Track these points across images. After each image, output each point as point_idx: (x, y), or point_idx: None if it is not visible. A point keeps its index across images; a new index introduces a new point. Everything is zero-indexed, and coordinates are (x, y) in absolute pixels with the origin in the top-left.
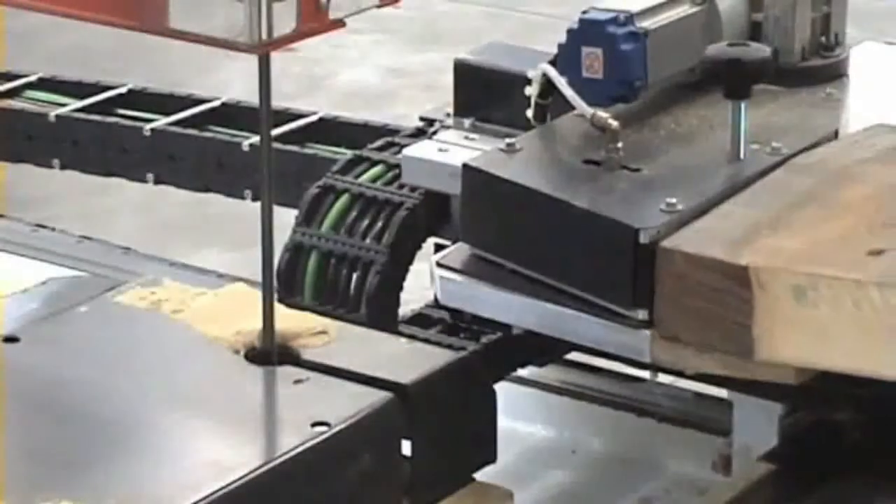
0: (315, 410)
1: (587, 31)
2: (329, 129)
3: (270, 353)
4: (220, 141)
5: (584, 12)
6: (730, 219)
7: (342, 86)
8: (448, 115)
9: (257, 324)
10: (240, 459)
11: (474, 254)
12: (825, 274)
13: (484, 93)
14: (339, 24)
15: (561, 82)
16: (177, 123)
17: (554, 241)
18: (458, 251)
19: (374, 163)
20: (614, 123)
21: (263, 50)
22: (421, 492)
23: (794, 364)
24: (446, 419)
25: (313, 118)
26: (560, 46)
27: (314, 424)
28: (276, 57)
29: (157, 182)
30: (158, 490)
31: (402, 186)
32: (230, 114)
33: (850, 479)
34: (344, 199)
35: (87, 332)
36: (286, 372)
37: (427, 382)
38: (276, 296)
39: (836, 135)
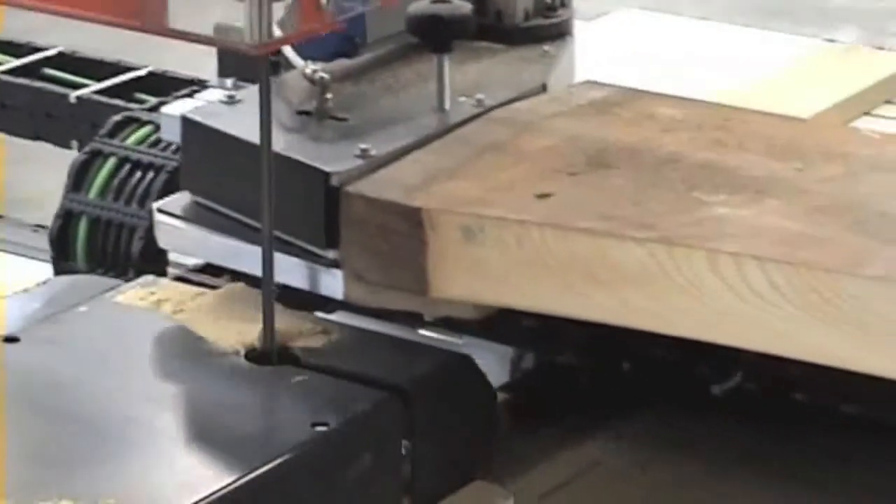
0: (315, 410)
1: None
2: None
3: (270, 353)
4: (48, 92)
5: None
6: (414, 165)
7: None
8: None
9: (257, 324)
10: (240, 459)
11: (194, 200)
12: (491, 215)
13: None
14: (339, 24)
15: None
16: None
17: (259, 186)
18: (179, 198)
19: (144, 123)
20: (323, 76)
21: (263, 50)
22: (421, 492)
23: (465, 300)
24: (446, 419)
25: (142, 72)
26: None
27: (314, 424)
28: None
29: None
30: (158, 490)
31: (167, 147)
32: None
33: (569, 421)
34: (110, 163)
35: (87, 332)
36: (286, 372)
37: (427, 382)
38: (275, 296)
39: (543, 89)
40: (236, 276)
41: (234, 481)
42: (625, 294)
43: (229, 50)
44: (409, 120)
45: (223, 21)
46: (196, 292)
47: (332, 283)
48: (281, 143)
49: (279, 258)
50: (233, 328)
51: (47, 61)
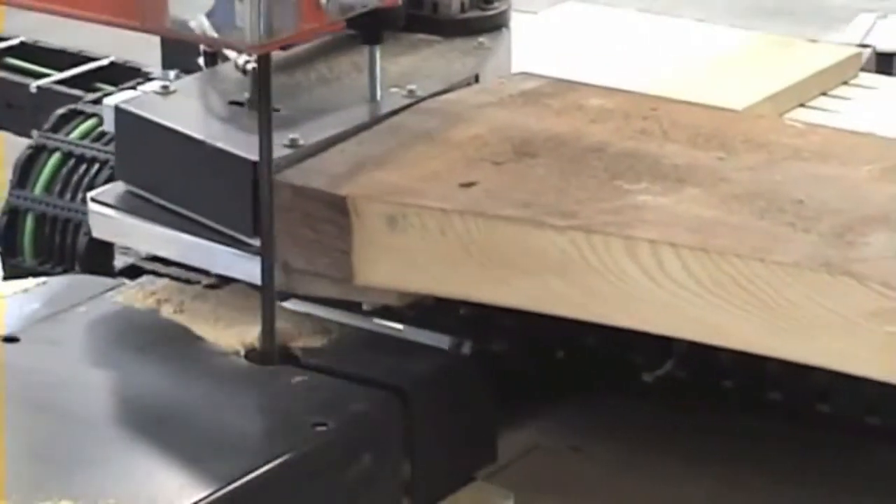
0: (315, 410)
1: None
2: (122, 73)
3: (270, 353)
4: (9, 81)
5: None
6: (342, 155)
7: None
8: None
9: (257, 324)
10: (240, 459)
11: (128, 190)
12: (414, 203)
13: (184, 45)
14: (339, 23)
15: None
16: None
17: (191, 176)
18: (113, 188)
19: (88, 116)
20: (253, 67)
21: (263, 50)
22: (421, 492)
23: (389, 287)
24: (446, 419)
25: (104, 62)
26: None
27: (314, 424)
28: None
29: None
30: (158, 490)
31: (111, 141)
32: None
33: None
34: (55, 158)
35: (87, 332)
36: (286, 372)
37: (427, 382)
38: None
39: (476, 80)
40: (170, 264)
41: (235, 481)
42: (546, 281)
43: (172, 43)
44: (339, 110)
45: (223, 21)
46: (196, 292)
47: (259, 271)
48: (210, 132)
49: (209, 246)
50: (233, 328)
51: (9, 51)
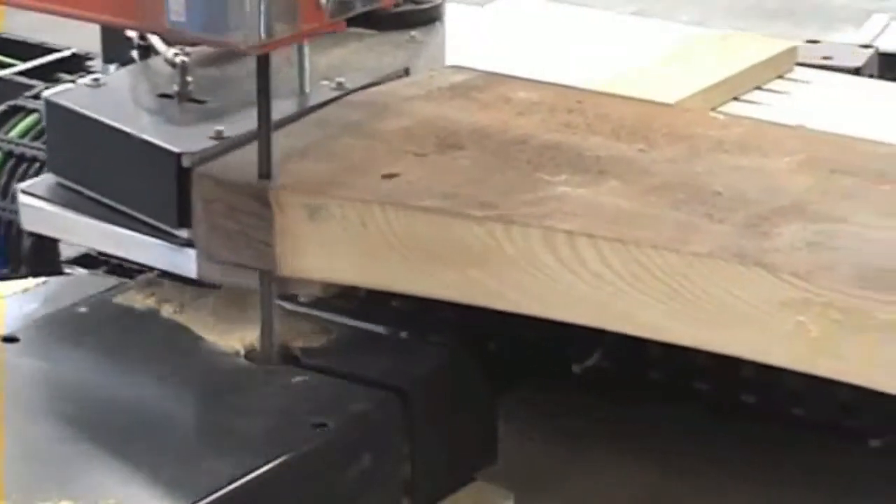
0: (315, 410)
1: None
2: (83, 65)
3: (270, 353)
4: None
5: None
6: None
7: None
8: None
9: (257, 324)
10: (240, 460)
11: (59, 182)
12: (336, 195)
13: (125, 39)
14: (339, 23)
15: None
16: None
17: (119, 168)
18: (43, 180)
19: (29, 112)
20: (184, 60)
21: (263, 50)
22: (421, 492)
23: (312, 278)
24: (446, 419)
25: (66, 53)
26: None
27: (314, 425)
28: None
29: None
30: (158, 490)
31: None
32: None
33: None
34: None
35: (87, 332)
36: (286, 372)
37: (427, 382)
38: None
39: (406, 73)
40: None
41: (235, 481)
42: (467, 272)
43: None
44: None
45: (223, 21)
46: (196, 293)
47: (186, 263)
48: (138, 125)
49: (136, 238)
50: (233, 328)
51: None
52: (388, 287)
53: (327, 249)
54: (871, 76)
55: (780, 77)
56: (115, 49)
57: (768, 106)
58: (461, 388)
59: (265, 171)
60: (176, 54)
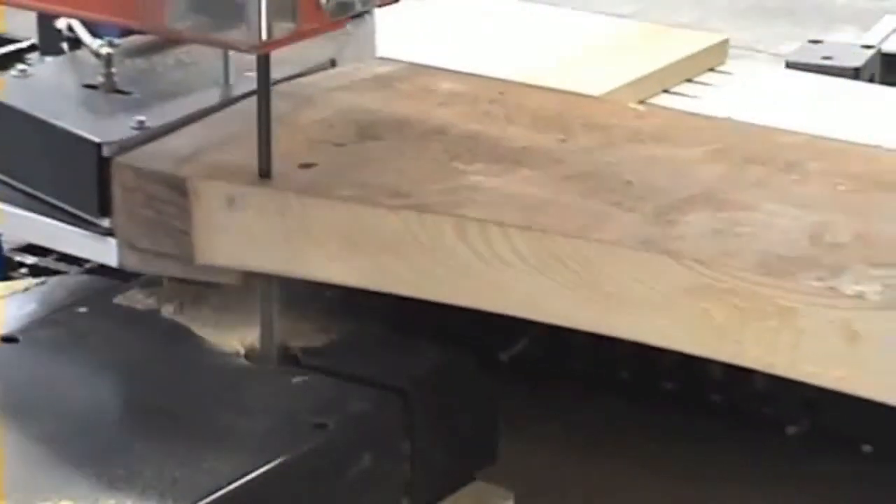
0: (315, 410)
1: None
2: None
3: (270, 353)
4: None
5: None
6: (188, 137)
7: None
8: None
9: (257, 324)
10: (240, 460)
11: None
12: (253, 184)
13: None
14: (339, 23)
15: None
16: None
17: (44, 159)
18: None
19: None
20: (109, 51)
21: (263, 50)
22: (421, 492)
23: (230, 267)
24: (446, 419)
25: (24, 44)
26: None
27: (314, 425)
28: None
29: None
30: (158, 490)
31: None
32: None
33: None
34: None
35: (87, 332)
36: (286, 372)
37: (427, 382)
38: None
39: (332, 64)
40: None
41: (235, 481)
42: (382, 260)
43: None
44: (191, 94)
45: (223, 21)
46: (197, 293)
47: (107, 251)
48: (61, 115)
49: (59, 227)
50: (233, 329)
51: None
52: (306, 275)
53: (244, 238)
54: (871, 76)
55: (712, 70)
56: (53, 41)
57: (697, 98)
58: (461, 388)
59: (265, 170)
60: (101, 45)
